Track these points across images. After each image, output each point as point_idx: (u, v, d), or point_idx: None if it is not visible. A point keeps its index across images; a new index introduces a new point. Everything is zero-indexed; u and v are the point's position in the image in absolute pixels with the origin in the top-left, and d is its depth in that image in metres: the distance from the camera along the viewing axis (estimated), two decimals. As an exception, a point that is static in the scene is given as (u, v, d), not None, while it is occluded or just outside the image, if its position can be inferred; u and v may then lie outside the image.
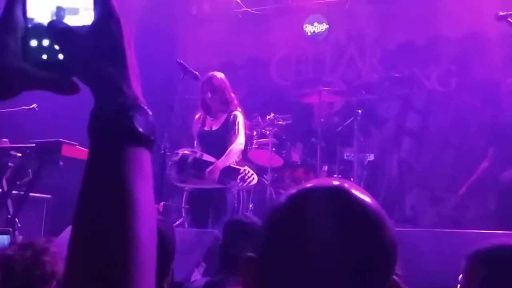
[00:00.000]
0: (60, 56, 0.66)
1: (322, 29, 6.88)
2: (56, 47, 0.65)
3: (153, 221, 0.66)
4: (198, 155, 4.42)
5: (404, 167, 6.43)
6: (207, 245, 3.10)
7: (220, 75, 4.59)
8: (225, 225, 2.61)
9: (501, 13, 3.23)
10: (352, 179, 5.25)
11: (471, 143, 6.02)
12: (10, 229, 3.59)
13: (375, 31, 6.62)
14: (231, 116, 4.53)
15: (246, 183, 4.31)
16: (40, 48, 0.65)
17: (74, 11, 0.67)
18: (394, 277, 0.77)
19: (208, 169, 4.30)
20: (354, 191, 0.78)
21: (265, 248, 0.79)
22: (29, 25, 0.66)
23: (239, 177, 4.29)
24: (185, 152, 4.44)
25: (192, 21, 7.43)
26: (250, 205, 5.06)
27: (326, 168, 5.54)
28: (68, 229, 3.87)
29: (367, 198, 0.78)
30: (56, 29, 0.65)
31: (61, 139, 4.23)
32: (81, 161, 4.53)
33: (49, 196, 4.47)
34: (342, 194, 0.78)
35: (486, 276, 1.56)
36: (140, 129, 0.64)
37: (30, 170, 4.23)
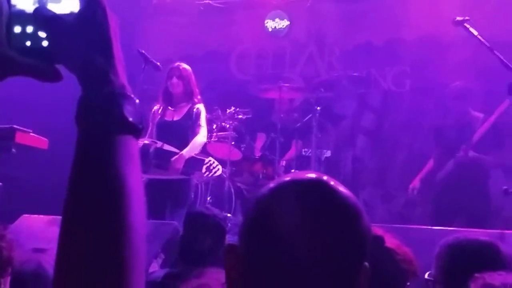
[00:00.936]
0: (44, 43, 0.65)
1: (283, 25, 6.95)
2: (40, 34, 0.65)
3: (143, 206, 0.67)
4: (159, 145, 4.36)
5: (358, 165, 6.59)
6: (166, 237, 3.10)
7: (187, 66, 4.64)
8: (185, 217, 2.61)
9: (458, 18, 3.35)
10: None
11: (422, 144, 6.23)
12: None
13: (335, 30, 6.74)
14: (195, 109, 4.53)
15: (211, 173, 4.34)
16: (24, 35, 0.65)
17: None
18: (366, 264, 0.83)
19: (173, 159, 4.26)
20: (332, 184, 0.83)
21: (248, 237, 0.82)
22: (13, 11, 0.65)
23: (205, 167, 4.32)
24: (145, 142, 4.36)
25: (153, 11, 7.34)
26: (208, 198, 5.07)
27: (284, 163, 5.61)
28: (21, 218, 3.78)
29: (345, 191, 0.83)
30: (44, 16, 0.65)
31: (14, 126, 4.11)
32: (35, 149, 4.41)
33: (0, 183, 4.32)
34: (321, 185, 0.82)
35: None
36: (130, 118, 0.65)
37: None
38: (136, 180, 0.65)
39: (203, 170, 4.30)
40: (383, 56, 6.57)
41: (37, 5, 0.66)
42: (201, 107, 4.61)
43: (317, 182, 0.83)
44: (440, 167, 5.03)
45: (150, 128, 4.58)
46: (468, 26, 3.28)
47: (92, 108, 0.65)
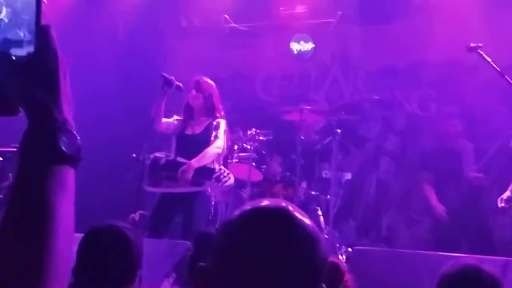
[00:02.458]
0: None
1: (308, 48, 7.01)
2: None
3: (71, 231, 0.74)
4: (171, 158, 4.25)
5: (382, 188, 6.54)
6: (178, 256, 3.15)
7: (210, 81, 4.55)
8: (195, 237, 2.66)
9: (472, 45, 3.35)
10: (328, 196, 5.34)
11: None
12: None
13: (359, 52, 6.76)
14: (214, 122, 4.39)
15: (221, 183, 4.13)
16: None
17: (19, 44, 0.75)
18: (323, 285, 0.90)
19: (181, 168, 4.11)
20: (296, 213, 0.90)
21: (217, 258, 0.90)
22: None
23: (214, 176, 4.12)
24: (157, 155, 4.26)
25: (180, 33, 7.52)
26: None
27: (304, 184, 5.62)
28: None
29: (306, 219, 0.91)
30: None
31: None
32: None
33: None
34: (283, 213, 0.90)
35: None
36: (64, 149, 0.72)
37: (11, 174, 4.25)
38: (65, 204, 0.72)
39: (212, 180, 4.10)
40: (407, 79, 6.56)
41: None
42: (221, 121, 4.45)
43: (279, 210, 0.91)
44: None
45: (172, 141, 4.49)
46: (481, 52, 3.28)
47: (32, 140, 0.72)
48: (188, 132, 4.41)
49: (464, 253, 4.17)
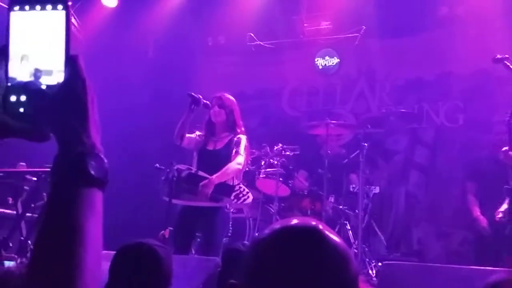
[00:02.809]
0: (32, 110, 0.80)
1: (333, 63, 7.06)
2: (30, 102, 0.80)
3: (99, 249, 0.79)
4: (193, 171, 4.26)
5: (411, 201, 6.48)
6: (208, 272, 3.20)
7: (231, 97, 4.55)
8: (223, 253, 2.69)
9: (498, 56, 3.34)
10: (357, 210, 5.34)
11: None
12: (15, 256, 3.71)
13: (384, 66, 6.77)
14: (235, 138, 4.38)
15: (240, 201, 4.14)
16: (18, 103, 0.80)
17: (49, 73, 0.81)
18: None
19: (202, 183, 4.12)
20: (327, 232, 0.92)
21: (248, 276, 0.92)
22: (9, 84, 0.81)
23: (234, 194, 4.14)
24: (179, 167, 4.25)
25: (207, 52, 7.66)
26: (256, 234, 5.15)
27: (332, 199, 5.63)
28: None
29: (336, 238, 0.93)
30: (31, 89, 0.80)
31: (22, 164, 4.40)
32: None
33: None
34: (314, 232, 0.92)
35: None
36: (93, 173, 0.78)
37: (45, 194, 4.38)
38: (93, 225, 0.78)
39: (231, 197, 4.13)
40: (435, 90, 6.52)
41: (32, 78, 0.81)
42: (242, 136, 4.42)
43: (309, 228, 0.92)
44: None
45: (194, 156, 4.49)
46: (508, 63, 3.26)
47: (62, 164, 0.78)
48: (210, 147, 4.42)
49: (504, 267, 4.08)
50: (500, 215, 4.19)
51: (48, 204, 0.78)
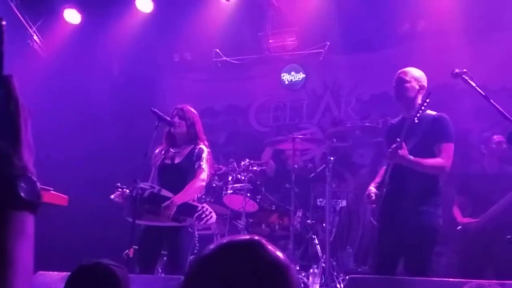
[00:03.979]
0: None
1: (299, 78, 7.13)
2: None
3: (29, 274, 0.77)
4: (155, 190, 4.13)
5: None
6: (173, 291, 3.14)
7: (193, 110, 4.44)
8: (185, 273, 2.63)
9: (456, 71, 3.41)
10: (324, 224, 5.34)
11: (444, 191, 6.14)
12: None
13: (350, 81, 6.86)
14: (196, 149, 4.25)
15: (203, 222, 4.02)
16: None
17: None
18: None
19: (164, 204, 3.99)
20: (267, 246, 0.96)
21: None
22: None
23: (196, 215, 4.02)
24: (142, 186, 4.12)
25: (173, 68, 7.64)
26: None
27: (300, 213, 5.62)
28: (37, 275, 3.88)
29: (278, 252, 0.96)
30: None
31: (35, 184, 4.28)
32: (55, 206, 4.58)
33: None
34: (256, 244, 0.95)
35: None
36: (23, 196, 0.76)
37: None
38: (24, 251, 0.76)
39: (193, 218, 4.01)
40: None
41: None
42: (203, 147, 4.28)
43: (251, 241, 0.96)
44: (465, 215, 4.96)
45: (152, 173, 4.37)
46: (466, 77, 3.34)
47: None
48: (168, 161, 4.27)
49: (488, 279, 4.10)
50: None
51: None
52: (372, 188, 3.83)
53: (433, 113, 3.83)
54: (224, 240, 0.98)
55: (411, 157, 3.49)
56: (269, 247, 0.95)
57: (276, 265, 0.93)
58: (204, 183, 4.23)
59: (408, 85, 3.81)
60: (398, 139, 3.49)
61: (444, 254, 6.05)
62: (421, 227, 3.52)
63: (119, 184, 4.16)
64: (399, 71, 3.90)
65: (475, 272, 4.31)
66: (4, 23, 0.80)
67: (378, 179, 3.90)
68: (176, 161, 4.25)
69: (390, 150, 3.46)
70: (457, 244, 5.31)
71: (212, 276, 0.91)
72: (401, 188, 3.63)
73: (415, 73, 3.88)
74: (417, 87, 3.86)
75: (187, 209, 4.05)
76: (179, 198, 4.04)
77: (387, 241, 3.71)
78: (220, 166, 5.63)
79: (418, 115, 3.53)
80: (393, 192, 3.66)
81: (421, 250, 3.56)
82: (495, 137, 5.02)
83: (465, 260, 4.87)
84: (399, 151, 3.44)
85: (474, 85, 3.33)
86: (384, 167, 3.88)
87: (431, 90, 6.34)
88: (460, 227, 4.96)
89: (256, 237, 0.97)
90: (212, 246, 0.97)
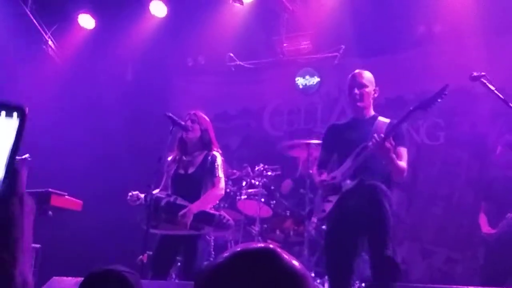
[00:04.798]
0: None
1: (313, 82, 7.06)
2: None
3: None
4: (172, 199, 4.10)
5: (394, 220, 6.42)
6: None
7: (205, 116, 4.39)
8: (196, 275, 2.59)
9: (475, 74, 3.35)
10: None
11: (459, 197, 6.06)
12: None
13: (365, 85, 6.77)
14: (209, 157, 4.20)
15: (221, 230, 4.02)
16: None
17: None
18: None
19: (181, 213, 3.96)
20: (284, 255, 0.91)
21: None
22: None
23: (214, 223, 3.99)
24: (158, 195, 4.11)
25: (187, 73, 7.63)
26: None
27: (315, 219, 5.55)
28: (52, 280, 3.88)
29: (294, 261, 0.91)
30: None
31: (50, 189, 4.29)
32: (70, 211, 4.57)
33: (38, 245, 4.48)
34: (270, 254, 0.91)
35: None
36: None
37: (19, 219, 4.25)
38: None
39: (212, 226, 3.98)
40: (414, 109, 6.53)
41: None
42: (217, 154, 4.23)
43: (265, 250, 0.92)
44: (492, 223, 4.87)
45: (164, 180, 4.32)
46: (484, 81, 3.27)
47: None
48: (182, 171, 4.23)
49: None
50: None
51: None
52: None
53: (386, 119, 3.84)
54: (238, 248, 0.95)
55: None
56: (285, 256, 0.91)
57: (292, 274, 0.89)
58: (223, 192, 4.21)
59: (368, 89, 3.88)
60: (382, 135, 3.41)
61: (460, 262, 5.95)
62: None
63: (132, 192, 4.15)
64: (357, 73, 3.87)
65: (497, 282, 4.23)
66: (27, 111, 0.76)
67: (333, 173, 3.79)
68: (190, 171, 4.21)
69: (376, 140, 3.37)
70: (481, 251, 5.22)
71: (225, 285, 0.88)
72: (366, 181, 3.57)
73: (370, 77, 3.99)
74: (373, 91, 3.95)
75: (205, 217, 4.01)
76: (196, 207, 4.01)
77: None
78: (234, 171, 5.58)
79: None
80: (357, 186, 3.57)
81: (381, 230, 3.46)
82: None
83: (488, 269, 4.77)
84: (386, 143, 3.38)
85: (492, 88, 3.26)
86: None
87: (449, 93, 6.29)
88: (483, 235, 4.86)
89: (271, 246, 0.94)
90: (225, 254, 0.94)
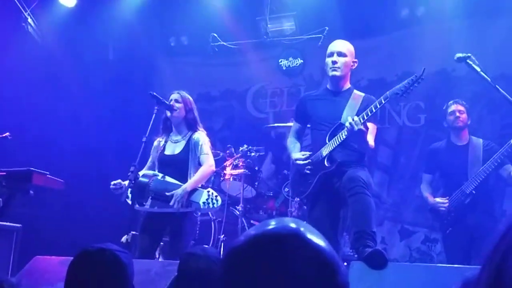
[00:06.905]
0: None
1: (297, 64, 7.06)
2: None
3: None
4: (160, 177, 4.11)
5: (374, 200, 6.51)
6: (171, 276, 3.11)
7: (188, 95, 4.36)
8: (180, 257, 2.58)
9: (459, 55, 3.36)
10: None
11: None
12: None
13: (348, 67, 6.79)
14: (195, 137, 4.19)
15: (210, 206, 4.01)
16: None
17: None
18: None
19: (176, 191, 3.97)
20: (309, 235, 0.84)
21: (226, 285, 0.83)
22: None
23: (204, 199, 4.00)
24: (146, 172, 4.13)
25: (170, 53, 7.56)
26: (222, 236, 5.08)
27: (298, 199, 5.60)
28: (34, 260, 3.85)
29: (321, 242, 0.84)
30: None
31: (31, 168, 4.24)
32: (51, 190, 4.53)
33: (19, 225, 4.45)
34: (296, 237, 0.83)
35: None
36: None
37: (0, 199, 4.21)
38: None
39: (202, 202, 3.97)
40: (396, 91, 6.58)
41: None
42: (201, 133, 4.24)
43: (290, 233, 0.83)
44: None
45: (150, 161, 4.33)
46: (470, 62, 3.29)
47: None
48: (168, 153, 4.23)
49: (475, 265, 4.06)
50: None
51: None
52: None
53: (361, 93, 3.80)
54: (254, 231, 0.85)
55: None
56: (312, 238, 0.83)
57: (319, 262, 0.81)
58: (213, 167, 4.22)
59: (347, 59, 3.73)
60: (359, 120, 3.36)
61: (439, 242, 6.07)
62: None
63: (114, 182, 4.07)
64: (337, 41, 3.82)
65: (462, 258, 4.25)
66: None
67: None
68: (176, 152, 4.20)
69: (352, 126, 3.33)
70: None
71: (244, 277, 0.81)
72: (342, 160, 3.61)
73: (351, 48, 3.83)
74: (351, 62, 3.80)
75: (194, 195, 4.03)
76: (191, 186, 4.02)
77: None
78: (218, 152, 5.59)
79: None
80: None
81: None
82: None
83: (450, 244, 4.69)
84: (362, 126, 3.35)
85: (478, 69, 3.29)
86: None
87: (431, 76, 6.37)
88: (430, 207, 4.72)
89: (294, 225, 0.84)
90: (242, 239, 0.85)
